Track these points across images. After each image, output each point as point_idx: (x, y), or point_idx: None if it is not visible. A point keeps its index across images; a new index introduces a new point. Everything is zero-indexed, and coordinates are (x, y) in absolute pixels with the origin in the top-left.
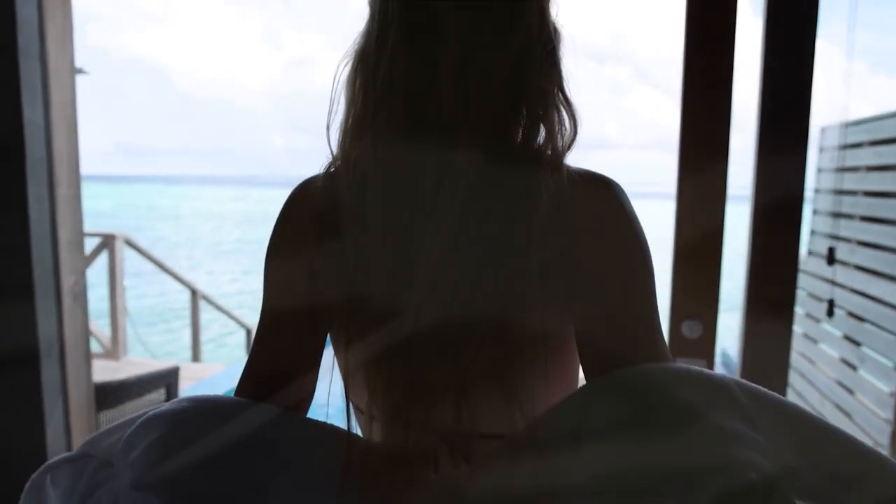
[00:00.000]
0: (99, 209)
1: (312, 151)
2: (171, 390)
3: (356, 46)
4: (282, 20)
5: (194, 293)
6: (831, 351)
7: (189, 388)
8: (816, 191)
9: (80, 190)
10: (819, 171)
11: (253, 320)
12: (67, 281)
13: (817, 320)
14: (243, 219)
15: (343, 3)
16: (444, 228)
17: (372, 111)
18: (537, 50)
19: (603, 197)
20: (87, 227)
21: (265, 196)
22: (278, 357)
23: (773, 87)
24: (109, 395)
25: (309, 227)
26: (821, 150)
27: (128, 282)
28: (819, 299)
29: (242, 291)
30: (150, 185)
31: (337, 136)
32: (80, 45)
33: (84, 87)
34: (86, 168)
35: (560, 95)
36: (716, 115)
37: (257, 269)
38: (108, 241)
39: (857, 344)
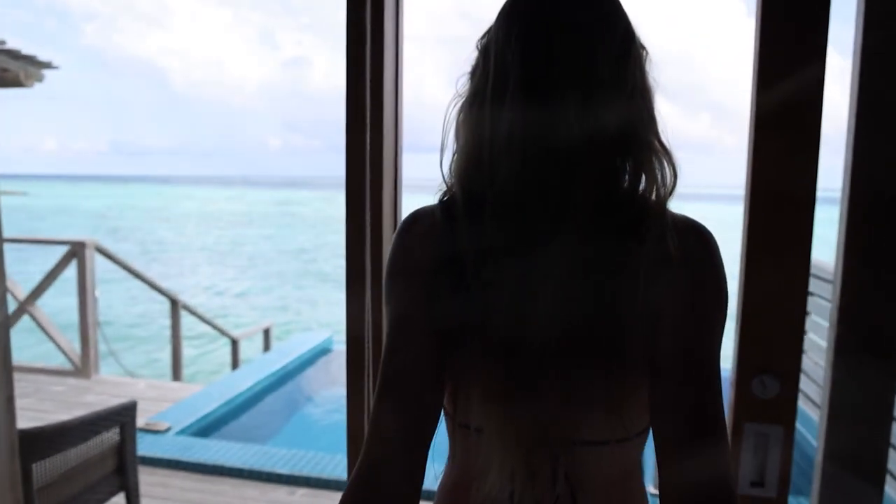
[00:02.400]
0: (92, 209)
1: (308, 151)
2: (127, 430)
3: (469, 87)
4: (278, 20)
5: (174, 303)
6: None
7: (163, 411)
8: None
9: None
10: None
11: (242, 329)
12: None
13: None
14: (238, 219)
15: (339, 4)
16: (563, 262)
17: (489, 151)
18: (640, 102)
19: (701, 247)
20: (75, 228)
21: (261, 197)
22: (406, 378)
23: (869, 73)
24: (43, 443)
25: (427, 252)
26: None
27: (102, 292)
28: None
29: (240, 294)
30: (145, 185)
31: (449, 168)
32: (76, 44)
33: (81, 86)
34: (80, 168)
35: (658, 145)
36: (802, 99)
37: (251, 271)
38: (76, 249)
39: None
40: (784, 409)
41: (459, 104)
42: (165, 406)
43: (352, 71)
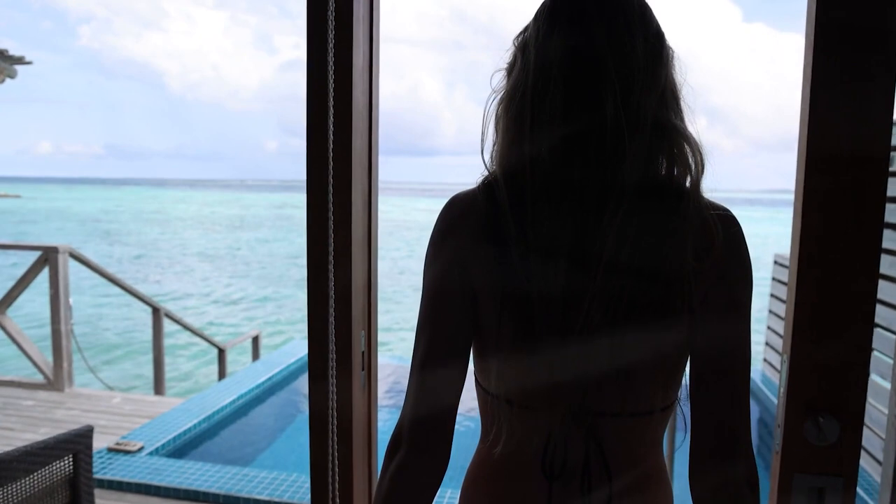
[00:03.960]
0: (86, 212)
1: (303, 154)
2: (81, 459)
3: (508, 82)
4: (275, 23)
5: (156, 311)
6: None
7: (137, 428)
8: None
9: None
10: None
11: (227, 338)
12: None
13: None
14: (235, 223)
15: None
16: (608, 242)
17: (530, 138)
18: (671, 94)
19: (734, 229)
20: (68, 231)
21: (258, 200)
22: (439, 344)
23: None
24: None
25: (468, 229)
26: None
27: (92, 298)
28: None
29: (236, 300)
30: (142, 189)
31: (490, 157)
32: (71, 46)
33: (76, 88)
34: (75, 171)
35: (689, 135)
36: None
37: (247, 276)
38: (48, 255)
39: None
40: (845, 456)
41: (498, 98)
42: (141, 422)
43: (313, 71)
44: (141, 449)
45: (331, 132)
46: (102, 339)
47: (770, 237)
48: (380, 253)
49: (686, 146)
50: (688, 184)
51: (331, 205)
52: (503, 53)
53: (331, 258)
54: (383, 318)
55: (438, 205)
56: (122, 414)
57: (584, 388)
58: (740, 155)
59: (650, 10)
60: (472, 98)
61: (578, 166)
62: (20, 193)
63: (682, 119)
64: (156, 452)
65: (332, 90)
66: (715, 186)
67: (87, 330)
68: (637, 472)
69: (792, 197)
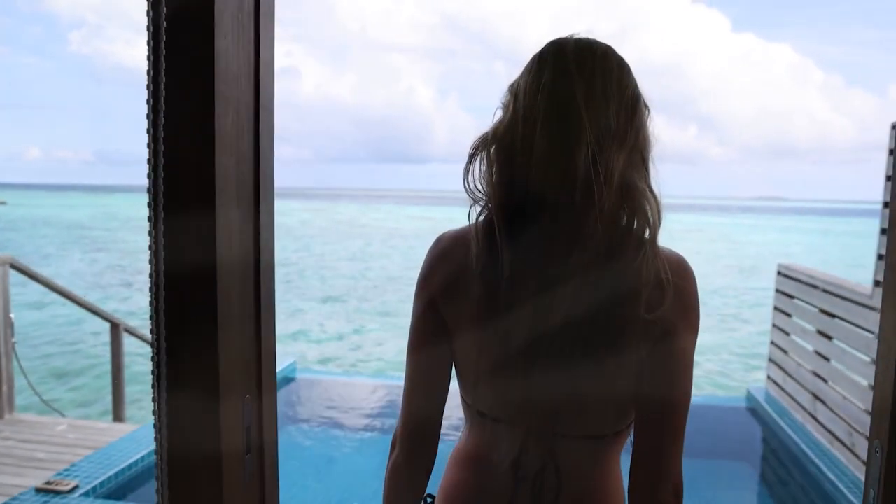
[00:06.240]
0: (74, 219)
1: (297, 162)
2: None
3: (502, 122)
4: None
5: (115, 326)
6: None
7: (75, 463)
8: (886, 205)
9: None
10: (888, 178)
11: None
12: None
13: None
14: None
15: (327, 15)
16: (573, 283)
17: (511, 183)
18: (639, 153)
19: (686, 275)
20: (51, 238)
21: None
22: (424, 371)
23: None
24: None
25: (448, 273)
26: (891, 152)
27: (64, 312)
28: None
29: None
30: (132, 195)
31: (480, 188)
32: (62, 52)
33: (66, 94)
34: (65, 177)
35: (649, 191)
36: None
37: None
38: None
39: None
40: None
41: (491, 134)
42: (84, 454)
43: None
44: (75, 489)
45: (158, 92)
46: (77, 360)
47: (766, 245)
48: (372, 261)
49: (646, 204)
50: (646, 235)
51: (156, 212)
52: (494, 58)
53: (157, 289)
54: (379, 335)
55: (430, 212)
56: (65, 444)
57: (544, 411)
58: (730, 162)
59: (628, 71)
60: (463, 106)
61: (550, 214)
62: (5, 200)
63: (645, 178)
64: (92, 492)
65: (158, 28)
66: (708, 194)
67: (57, 350)
68: (587, 487)
69: (786, 204)
